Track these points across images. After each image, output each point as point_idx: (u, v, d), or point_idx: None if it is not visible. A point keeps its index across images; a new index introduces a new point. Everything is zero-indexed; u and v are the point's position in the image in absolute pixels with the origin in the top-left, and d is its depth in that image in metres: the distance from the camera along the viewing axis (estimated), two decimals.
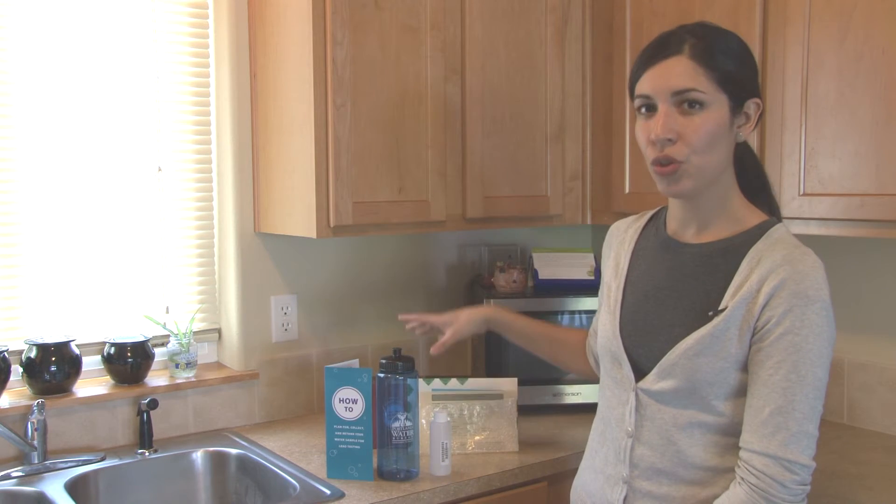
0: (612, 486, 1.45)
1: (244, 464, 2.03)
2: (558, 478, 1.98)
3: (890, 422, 2.10)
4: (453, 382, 2.03)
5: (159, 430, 2.11)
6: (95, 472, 1.93)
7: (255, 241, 2.27)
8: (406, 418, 1.81)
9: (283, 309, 2.32)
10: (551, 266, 2.43)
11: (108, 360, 2.10)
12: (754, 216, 1.40)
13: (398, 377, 1.81)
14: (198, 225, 2.28)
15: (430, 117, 2.11)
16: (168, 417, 2.15)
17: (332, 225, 1.98)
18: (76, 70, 2.07)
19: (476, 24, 2.18)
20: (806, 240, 1.40)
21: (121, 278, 2.17)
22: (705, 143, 1.31)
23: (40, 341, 1.99)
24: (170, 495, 2.02)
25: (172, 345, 2.18)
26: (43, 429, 1.91)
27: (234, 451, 2.06)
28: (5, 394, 1.97)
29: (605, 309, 1.53)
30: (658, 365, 1.38)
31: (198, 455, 2.07)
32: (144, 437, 2.03)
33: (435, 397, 2.01)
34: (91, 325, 2.13)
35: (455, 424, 2.00)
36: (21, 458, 1.93)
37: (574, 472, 1.92)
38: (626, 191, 2.31)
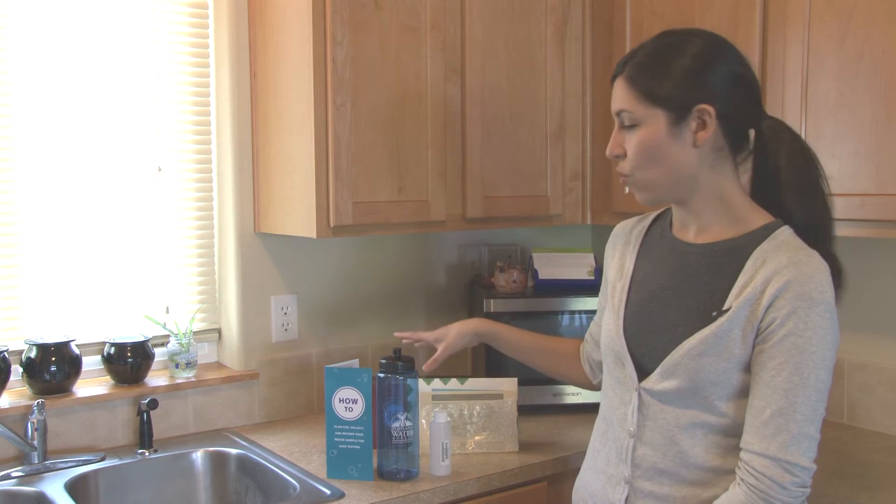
0: (614, 487, 1.45)
1: (244, 464, 2.03)
2: (558, 478, 1.98)
3: (890, 422, 2.10)
4: (453, 382, 2.03)
5: (159, 430, 2.11)
6: (95, 472, 1.93)
7: (255, 241, 2.27)
8: (406, 418, 1.81)
9: (283, 309, 2.32)
10: (551, 266, 2.43)
11: (108, 360, 2.10)
12: (759, 217, 1.40)
13: (398, 377, 1.81)
14: (198, 225, 2.28)
15: (430, 117, 2.11)
16: (168, 417, 2.15)
17: (332, 225, 1.98)
18: (76, 70, 2.07)
19: (476, 24, 2.18)
20: None
21: (121, 278, 2.17)
22: (640, 158, 1.37)
23: (40, 341, 1.99)
24: (170, 495, 2.02)
25: (172, 345, 2.18)
26: (43, 429, 1.91)
27: (234, 451, 2.06)
28: (5, 394, 1.97)
29: (608, 309, 1.53)
30: (661, 365, 1.38)
31: (198, 455, 2.07)
32: (144, 437, 2.03)
33: (435, 397, 2.01)
34: (91, 325, 2.13)
35: (455, 424, 2.00)
36: (21, 458, 1.93)
37: (574, 471, 1.92)
38: (627, 191, 2.29)
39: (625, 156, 1.39)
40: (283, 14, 2.06)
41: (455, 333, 1.90)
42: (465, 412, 2.02)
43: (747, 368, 1.32)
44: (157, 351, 2.18)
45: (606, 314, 1.54)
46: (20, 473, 1.87)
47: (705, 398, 1.34)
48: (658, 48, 1.38)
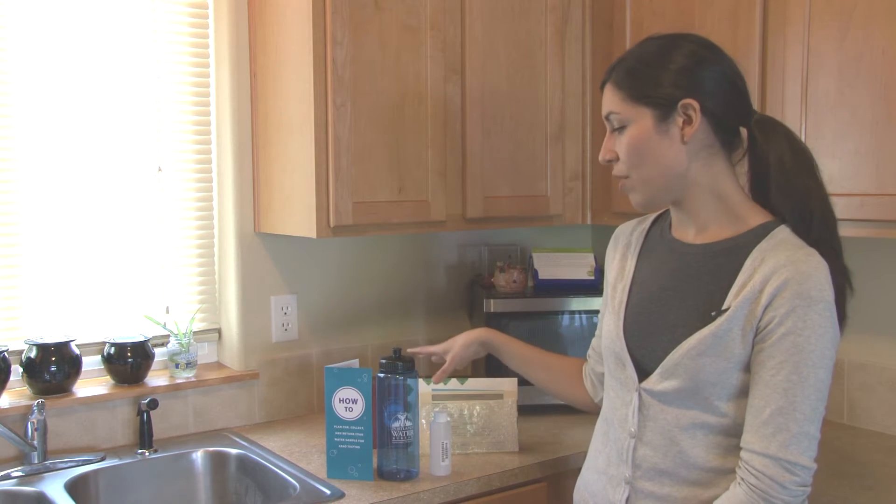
0: (615, 487, 1.46)
1: (244, 464, 2.03)
2: (558, 478, 1.98)
3: (890, 422, 2.10)
4: (453, 382, 2.03)
5: (159, 430, 2.11)
6: (95, 472, 1.93)
7: (255, 241, 2.27)
8: (406, 418, 1.81)
9: (283, 309, 2.32)
10: (551, 266, 2.43)
11: (108, 360, 2.10)
12: (758, 216, 1.40)
13: (398, 377, 1.81)
14: (198, 225, 2.28)
15: (430, 117, 2.11)
16: (168, 417, 2.15)
17: (332, 225, 1.98)
18: (76, 70, 2.07)
19: (476, 24, 2.18)
20: None
21: (121, 278, 2.17)
22: (632, 157, 1.40)
23: (40, 341, 1.99)
24: (170, 495, 2.02)
25: (172, 345, 2.18)
26: (43, 429, 1.91)
27: (234, 451, 2.06)
28: (5, 394, 1.97)
29: (609, 310, 1.53)
30: (661, 365, 1.38)
31: (198, 455, 2.07)
32: (144, 437, 2.03)
33: (435, 397, 2.01)
34: (91, 325, 2.13)
35: (455, 424, 2.00)
36: (21, 458, 1.93)
37: (574, 472, 1.92)
38: None
39: (617, 159, 1.42)
40: (283, 14, 2.06)
41: (461, 344, 1.88)
42: (465, 412, 2.02)
43: (747, 368, 1.32)
44: (157, 351, 2.18)
45: (607, 315, 1.54)
46: (20, 473, 1.87)
47: (705, 398, 1.34)
48: (642, 51, 1.42)
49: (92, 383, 2.11)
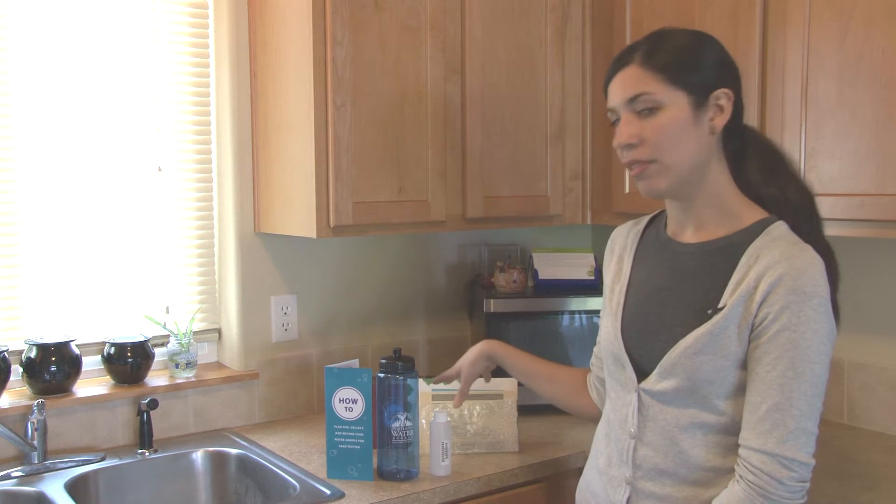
0: (616, 488, 1.46)
1: (244, 464, 2.03)
2: (558, 478, 1.99)
3: (890, 422, 2.10)
4: (453, 382, 2.02)
5: (159, 430, 2.11)
6: (95, 472, 1.93)
7: (255, 241, 2.27)
8: (406, 418, 1.81)
9: (283, 309, 2.32)
10: (551, 266, 2.43)
11: (108, 360, 2.10)
12: (753, 213, 1.40)
13: (398, 377, 1.81)
14: (198, 225, 2.28)
15: (430, 117, 2.11)
16: (168, 417, 2.15)
17: (332, 225, 1.98)
18: (76, 70, 2.07)
19: (476, 24, 2.18)
20: None
21: (121, 278, 2.17)
22: (666, 141, 1.34)
23: (40, 341, 1.99)
24: (170, 495, 2.02)
25: (172, 345, 2.18)
26: (43, 429, 1.91)
27: (234, 451, 2.06)
28: (5, 394, 1.97)
29: (607, 311, 1.53)
30: (659, 365, 1.38)
31: (198, 455, 2.07)
32: (144, 437, 2.03)
33: (435, 397, 2.01)
34: (91, 325, 2.13)
35: (455, 424, 2.00)
36: (21, 458, 1.93)
37: (574, 472, 1.93)
38: (626, 191, 2.31)
39: (639, 143, 1.36)
40: (283, 14, 2.06)
41: (469, 363, 1.85)
42: (465, 412, 2.02)
43: (744, 365, 1.32)
44: (157, 351, 2.18)
45: (605, 317, 1.54)
46: (20, 473, 1.87)
47: (704, 397, 1.34)
48: (674, 37, 1.38)
49: (92, 383, 2.11)
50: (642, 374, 1.42)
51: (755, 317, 1.29)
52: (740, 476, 1.29)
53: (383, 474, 1.83)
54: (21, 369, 2.00)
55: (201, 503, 2.05)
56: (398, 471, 1.82)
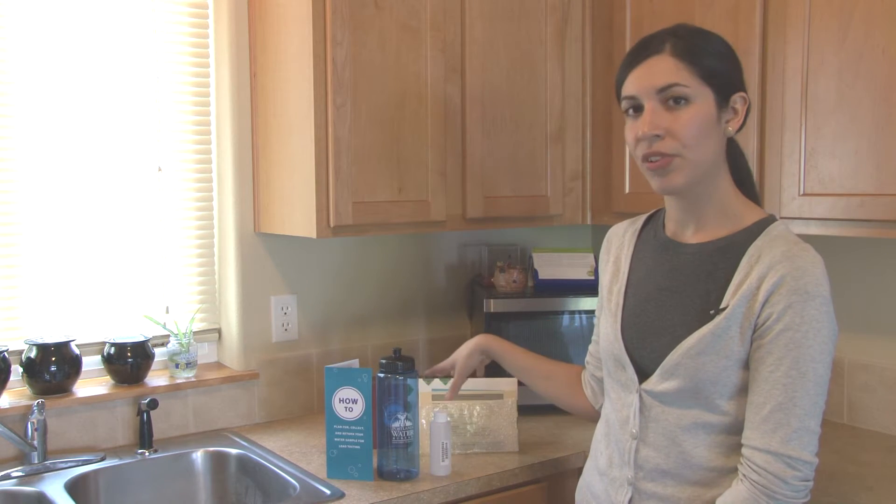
0: (618, 489, 1.46)
1: (244, 464, 2.03)
2: (558, 478, 1.98)
3: (890, 422, 2.10)
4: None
5: (159, 430, 2.11)
6: (95, 472, 1.92)
7: (255, 241, 2.27)
8: (406, 418, 1.81)
9: (283, 309, 2.32)
10: (551, 266, 2.43)
11: (108, 360, 2.10)
12: (752, 213, 1.41)
13: (398, 377, 1.81)
14: (198, 225, 2.28)
15: (430, 117, 2.11)
16: (168, 417, 2.15)
17: (332, 225, 1.98)
18: (76, 70, 2.07)
19: (476, 24, 2.18)
20: (806, 240, 1.39)
21: (121, 278, 2.17)
22: (694, 136, 1.32)
23: (40, 341, 1.99)
24: (170, 495, 2.02)
25: (172, 345, 2.18)
26: (43, 429, 1.91)
27: (234, 451, 2.06)
28: (5, 394, 1.97)
29: (606, 312, 1.53)
30: (661, 366, 1.38)
31: (198, 455, 2.07)
32: (144, 437, 2.03)
33: (435, 397, 2.01)
34: (91, 325, 2.13)
35: (455, 424, 2.00)
36: (21, 458, 1.93)
37: (574, 472, 1.93)
38: (626, 191, 2.31)
39: (664, 136, 1.32)
40: (283, 14, 2.06)
41: (464, 355, 1.86)
42: (465, 412, 2.02)
43: (747, 366, 1.32)
44: (157, 351, 2.18)
45: (604, 318, 1.53)
46: (20, 473, 1.87)
47: (706, 397, 1.34)
48: (696, 32, 1.37)
49: (92, 383, 2.11)
50: (643, 374, 1.42)
51: (758, 317, 1.29)
52: (744, 475, 1.29)
53: (383, 474, 1.83)
54: (21, 369, 2.00)
55: (201, 503, 2.05)
56: (398, 471, 1.82)
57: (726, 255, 1.37)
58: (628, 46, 2.23)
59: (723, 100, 1.35)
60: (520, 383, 2.04)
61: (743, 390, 1.33)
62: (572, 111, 2.39)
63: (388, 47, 2.03)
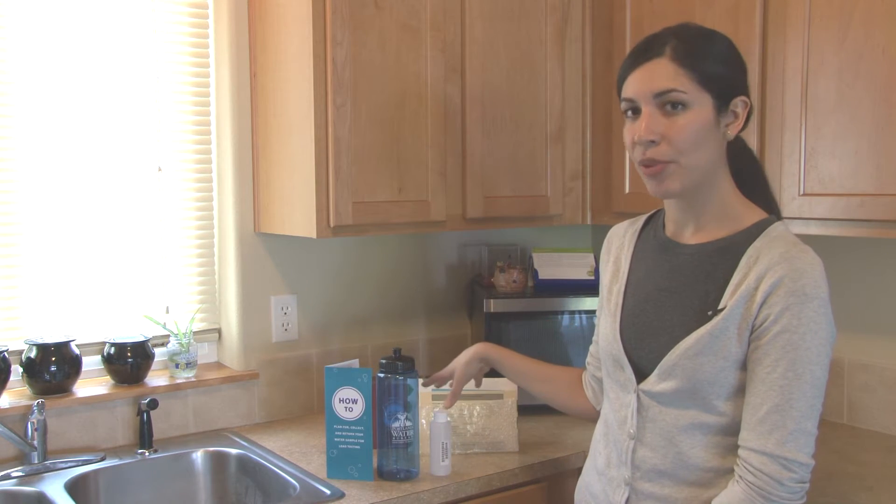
0: (615, 489, 1.46)
1: (244, 464, 2.03)
2: (558, 478, 1.98)
3: (890, 422, 2.10)
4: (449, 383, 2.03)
5: (159, 430, 2.11)
6: (95, 472, 1.92)
7: (255, 241, 2.27)
8: (406, 418, 1.81)
9: (283, 309, 2.32)
10: (551, 266, 2.43)
11: (108, 360, 2.10)
12: (752, 214, 1.40)
13: (398, 377, 1.81)
14: (198, 225, 2.28)
15: (430, 117, 2.11)
16: (168, 417, 2.15)
17: (332, 225, 1.98)
18: (76, 70, 2.07)
19: (476, 24, 2.18)
20: (806, 240, 1.39)
21: (121, 278, 2.17)
22: (690, 142, 1.32)
23: (40, 341, 1.99)
24: (170, 495, 2.02)
25: (172, 345, 2.18)
26: (43, 429, 1.91)
27: (234, 451, 2.06)
28: (5, 394, 1.97)
29: (605, 312, 1.53)
30: (659, 366, 1.38)
31: (198, 455, 2.07)
32: (144, 437, 2.03)
33: (435, 397, 2.01)
34: (91, 325, 2.13)
35: (455, 424, 2.00)
36: (21, 458, 1.93)
37: (574, 471, 1.92)
38: (626, 191, 2.31)
39: (659, 141, 1.32)
40: (283, 14, 2.06)
41: (462, 364, 1.86)
42: (465, 412, 2.02)
43: (744, 366, 1.32)
44: (157, 351, 2.18)
45: (603, 317, 1.53)
46: (20, 473, 1.87)
47: (704, 398, 1.34)
48: (700, 34, 1.36)
49: (92, 383, 2.11)
50: (641, 375, 1.42)
51: (755, 318, 1.29)
52: (740, 477, 1.29)
53: (383, 474, 1.83)
54: (21, 369, 2.00)
55: (201, 503, 2.05)
56: (398, 471, 1.82)
57: (725, 255, 1.37)
58: (628, 46, 2.24)
59: (723, 104, 1.34)
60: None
61: (740, 391, 1.32)
62: (572, 111, 2.39)
63: (388, 47, 2.03)
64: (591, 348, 1.70)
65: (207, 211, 2.29)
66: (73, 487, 1.83)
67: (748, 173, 1.46)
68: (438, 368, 2.57)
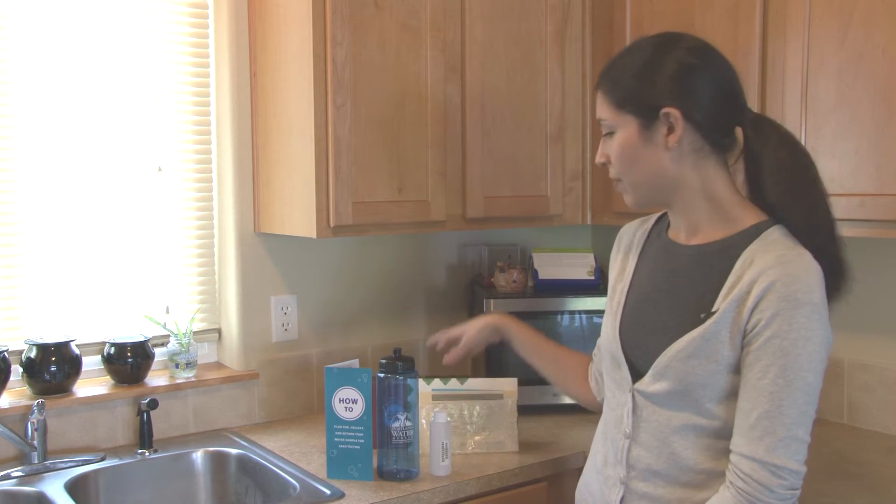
0: (611, 488, 1.46)
1: (244, 464, 2.03)
2: (558, 478, 1.99)
3: (890, 422, 2.10)
4: (453, 382, 2.03)
5: (159, 430, 2.11)
6: (95, 472, 1.93)
7: (255, 241, 2.27)
8: (406, 418, 1.81)
9: (283, 309, 2.32)
10: (551, 266, 2.43)
11: (108, 360, 2.10)
12: (751, 216, 1.38)
13: (398, 377, 1.81)
14: (198, 225, 2.28)
15: (430, 117, 2.11)
16: (168, 417, 2.15)
17: (332, 225, 1.98)
18: (76, 70, 2.07)
19: (476, 24, 2.18)
20: None
21: (121, 278, 2.17)
22: (623, 163, 1.41)
23: (40, 341, 1.99)
24: (170, 495, 2.02)
25: (172, 345, 2.18)
26: (43, 429, 1.91)
27: (234, 451, 2.06)
28: (5, 394, 1.97)
29: (608, 310, 1.53)
30: (652, 367, 1.38)
31: (198, 455, 2.07)
32: (144, 437, 2.03)
33: (435, 397, 2.01)
34: (91, 325, 2.13)
35: (455, 424, 2.00)
36: (21, 458, 1.93)
37: (574, 471, 1.93)
38: None
39: (608, 163, 1.44)
40: (283, 14, 2.06)
41: (475, 327, 1.86)
42: (465, 412, 2.02)
43: (737, 370, 1.31)
44: (157, 351, 2.18)
45: (605, 316, 1.54)
46: (20, 473, 1.87)
47: (696, 400, 1.34)
48: (627, 58, 1.42)
49: (92, 383, 2.11)
50: (637, 374, 1.42)
51: (747, 322, 1.28)
52: (730, 482, 1.28)
53: (383, 474, 1.83)
54: (21, 369, 2.00)
55: (201, 503, 2.05)
56: (398, 471, 1.82)
57: (721, 257, 1.36)
58: None
59: (648, 121, 1.36)
60: (520, 382, 2.04)
61: (733, 395, 1.31)
62: (572, 111, 2.39)
63: (388, 47, 2.03)
64: (599, 340, 1.70)
65: (207, 211, 2.29)
66: (73, 487, 1.83)
67: (780, 168, 1.36)
68: (438, 369, 2.58)
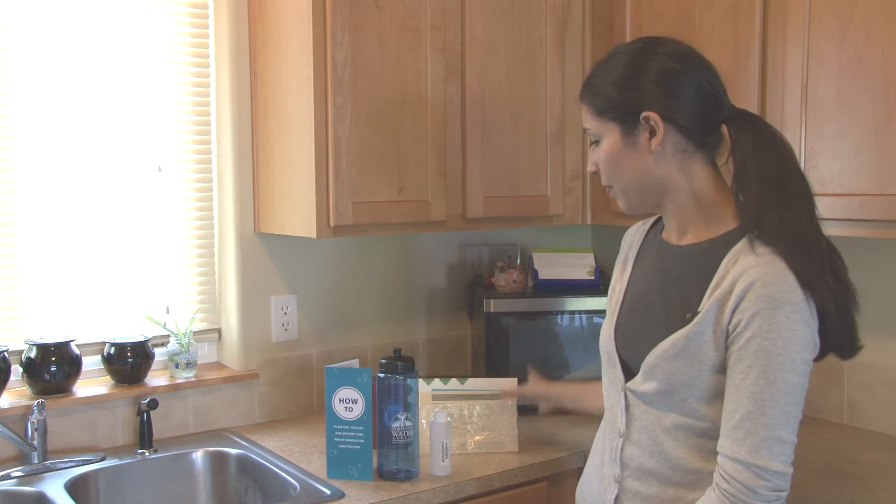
0: (607, 486, 1.46)
1: (244, 464, 2.03)
2: (558, 478, 1.99)
3: (890, 422, 2.10)
4: (453, 382, 2.03)
5: (159, 430, 2.11)
6: (95, 472, 1.93)
7: (255, 241, 2.27)
8: (406, 418, 1.81)
9: (283, 309, 2.32)
10: (551, 266, 2.43)
11: (108, 360, 2.10)
12: (737, 216, 1.39)
13: (398, 377, 1.81)
14: (198, 225, 2.28)
15: (430, 117, 2.11)
16: (168, 417, 2.15)
17: (332, 225, 1.98)
18: (76, 70, 2.07)
19: (476, 24, 2.18)
20: None
21: (121, 278, 2.17)
22: (610, 169, 1.43)
23: (40, 341, 1.99)
24: (170, 495, 2.02)
25: (172, 345, 2.18)
26: (43, 429, 1.91)
27: (234, 451, 2.06)
28: (5, 394, 1.97)
29: (607, 311, 1.54)
30: (642, 366, 1.39)
31: (198, 455, 2.07)
32: (144, 437, 2.03)
33: (435, 397, 2.01)
34: (91, 325, 2.13)
35: (455, 424, 2.00)
36: (21, 458, 1.93)
37: (573, 472, 1.93)
38: None
39: (598, 171, 1.46)
40: (283, 14, 2.06)
41: (541, 395, 2.01)
42: (465, 412, 2.02)
43: (722, 370, 1.30)
44: (157, 351, 2.18)
45: (606, 315, 1.55)
46: (20, 473, 1.87)
47: (682, 400, 1.34)
48: (607, 67, 1.43)
49: (92, 383, 2.11)
50: (630, 374, 1.43)
51: (729, 322, 1.28)
52: (716, 483, 1.28)
53: (383, 474, 1.83)
54: (21, 369, 2.00)
55: (201, 503, 2.05)
56: (398, 471, 1.82)
57: (708, 257, 1.36)
58: None
59: (629, 126, 1.37)
60: (520, 382, 2.04)
61: (720, 395, 1.31)
62: (572, 111, 2.39)
63: (388, 47, 2.03)
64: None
65: (207, 211, 2.29)
66: (73, 487, 1.83)
67: (757, 164, 1.33)
68: (438, 369, 2.59)
